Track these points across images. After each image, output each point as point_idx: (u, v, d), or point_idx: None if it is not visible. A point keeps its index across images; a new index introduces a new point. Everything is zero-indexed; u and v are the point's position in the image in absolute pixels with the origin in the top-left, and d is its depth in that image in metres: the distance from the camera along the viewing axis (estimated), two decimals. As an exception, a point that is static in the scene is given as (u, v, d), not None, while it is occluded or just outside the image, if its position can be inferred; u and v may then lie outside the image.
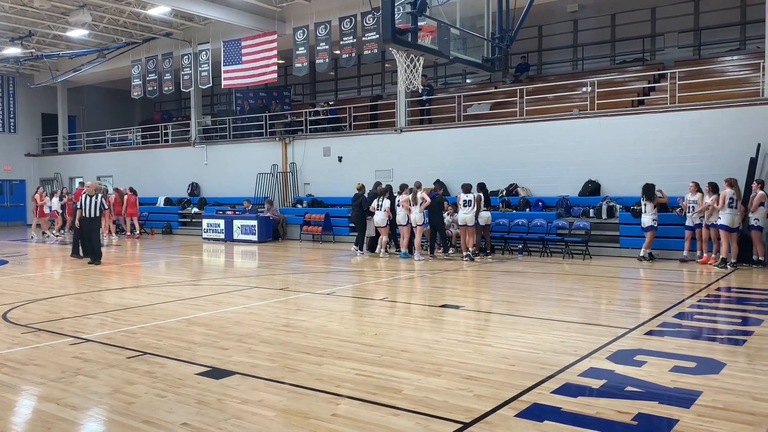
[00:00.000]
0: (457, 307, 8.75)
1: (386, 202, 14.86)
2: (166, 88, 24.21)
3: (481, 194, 14.34)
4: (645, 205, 13.78)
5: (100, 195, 14.07)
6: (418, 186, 14.74)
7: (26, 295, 9.78)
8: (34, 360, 5.93)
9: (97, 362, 5.81)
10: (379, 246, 15.40)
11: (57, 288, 10.74)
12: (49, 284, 11.37)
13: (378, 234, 15.46)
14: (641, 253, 13.90)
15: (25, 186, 30.79)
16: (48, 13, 21.18)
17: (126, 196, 21.48)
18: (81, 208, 13.84)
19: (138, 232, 21.85)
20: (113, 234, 21.08)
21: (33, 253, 17.33)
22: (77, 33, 22.80)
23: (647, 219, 13.75)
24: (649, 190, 13.73)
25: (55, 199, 21.79)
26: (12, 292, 10.10)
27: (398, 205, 14.76)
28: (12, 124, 30.16)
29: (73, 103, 31.11)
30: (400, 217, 14.68)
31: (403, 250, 14.84)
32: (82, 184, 21.29)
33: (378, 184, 15.97)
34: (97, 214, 13.89)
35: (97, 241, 14.12)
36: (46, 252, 17.64)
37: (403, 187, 14.87)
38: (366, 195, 15.85)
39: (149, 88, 24.54)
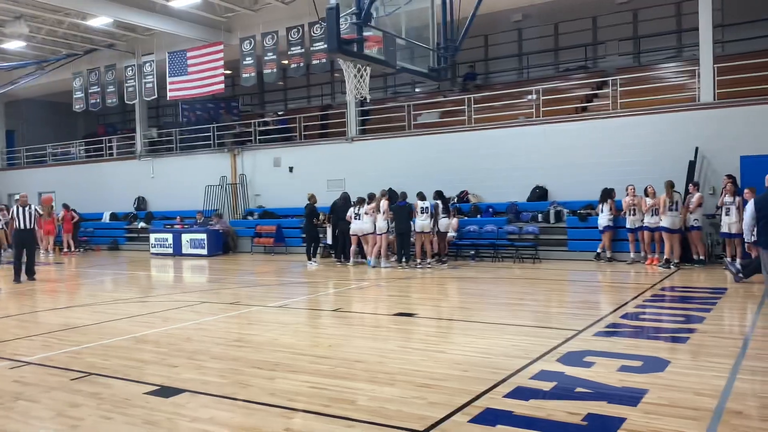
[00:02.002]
0: (410, 314, 8.78)
1: (363, 210, 14.81)
2: (110, 101, 23.66)
3: (439, 202, 14.50)
4: (602, 206, 14.17)
5: (33, 206, 13.80)
6: (383, 194, 14.83)
7: (-38, 318, 9.35)
8: (-30, 386, 5.66)
9: (38, 385, 5.58)
10: (353, 256, 15.36)
11: (-4, 309, 10.29)
12: (-13, 306, 10.89)
13: (351, 243, 15.38)
14: (598, 250, 14.35)
15: (-39, 204, 29.48)
16: (-18, 25, 20.44)
17: (63, 213, 21.27)
18: (14, 219, 13.46)
19: (67, 249, 21.60)
20: (49, 251, 20.59)
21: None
22: (14, 45, 22.07)
23: (604, 220, 14.15)
24: (606, 194, 14.18)
25: None
26: (-53, 315, 9.64)
27: (357, 216, 14.77)
28: (-54, 139, 28.90)
29: (12, 117, 30.00)
30: (366, 225, 14.71)
31: (370, 258, 14.85)
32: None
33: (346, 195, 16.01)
34: (33, 225, 13.51)
35: (32, 255, 13.76)
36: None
37: (371, 197, 14.91)
38: (316, 205, 15.91)
39: (92, 101, 23.90)
